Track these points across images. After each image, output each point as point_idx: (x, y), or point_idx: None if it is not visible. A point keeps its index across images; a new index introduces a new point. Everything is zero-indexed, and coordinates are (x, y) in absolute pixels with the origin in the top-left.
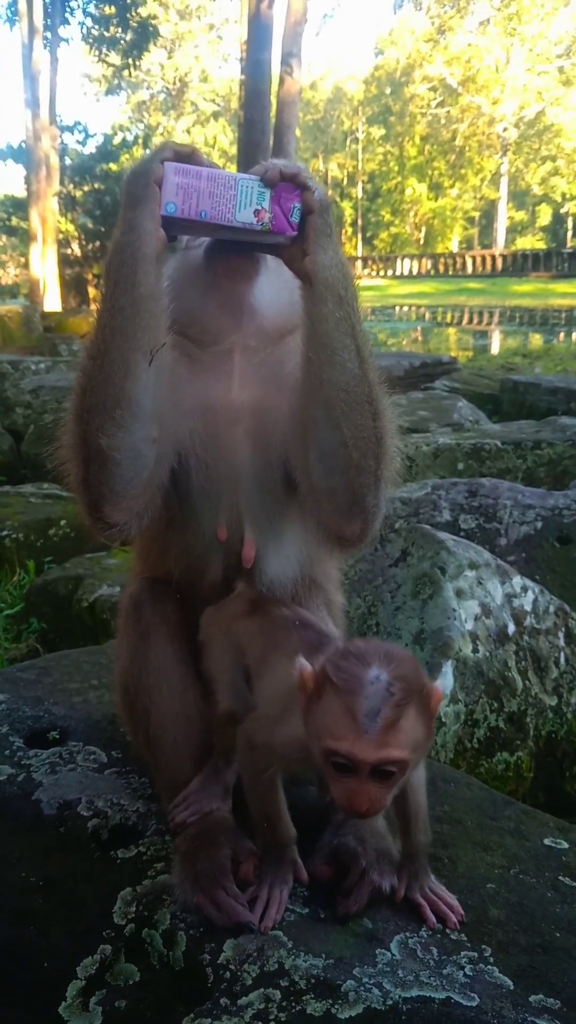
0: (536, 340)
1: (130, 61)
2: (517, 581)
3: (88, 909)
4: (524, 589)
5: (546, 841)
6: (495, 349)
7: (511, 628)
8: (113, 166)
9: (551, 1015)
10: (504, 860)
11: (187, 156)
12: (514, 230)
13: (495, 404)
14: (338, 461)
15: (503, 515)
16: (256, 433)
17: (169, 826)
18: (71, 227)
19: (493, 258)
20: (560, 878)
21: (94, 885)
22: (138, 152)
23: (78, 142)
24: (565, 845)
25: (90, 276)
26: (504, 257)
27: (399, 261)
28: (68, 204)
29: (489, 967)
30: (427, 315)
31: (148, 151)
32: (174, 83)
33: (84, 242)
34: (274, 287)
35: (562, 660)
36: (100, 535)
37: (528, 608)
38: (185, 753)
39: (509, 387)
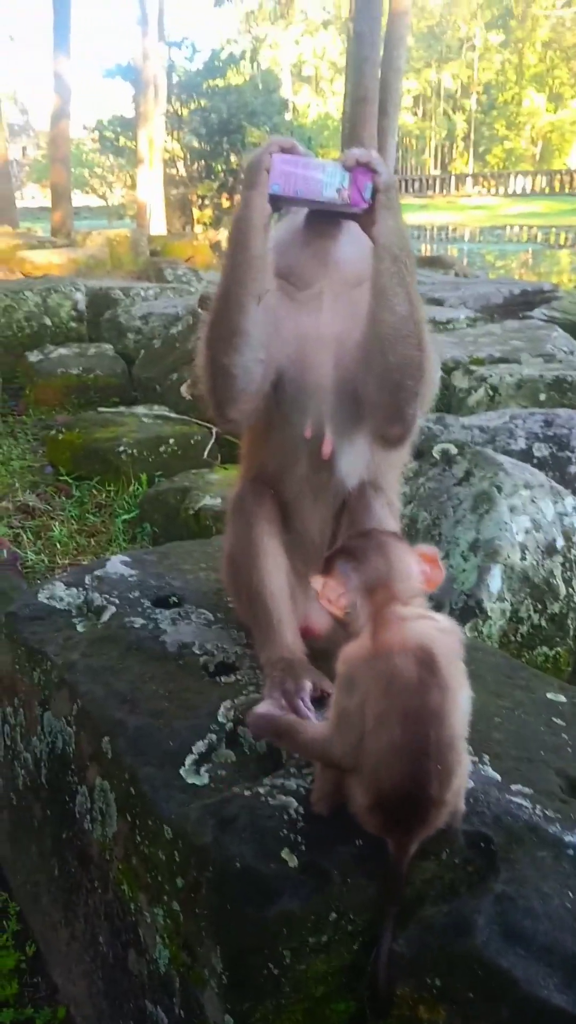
0: None
1: None
2: (569, 501)
3: (199, 711)
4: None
5: (548, 695)
6: None
7: (560, 542)
8: (219, 82)
9: (524, 797)
10: (511, 704)
11: (289, 149)
12: None
13: None
14: (385, 381)
15: None
16: (338, 356)
17: (261, 663)
18: (177, 146)
19: None
20: (553, 719)
21: (204, 696)
22: (244, 66)
23: (185, 58)
24: (563, 699)
25: (194, 197)
26: None
27: (512, 178)
28: (174, 123)
29: (485, 767)
30: (539, 236)
31: (260, 145)
32: None
33: (189, 162)
34: (354, 245)
35: None
36: (223, 426)
37: None
38: (278, 604)
39: None
